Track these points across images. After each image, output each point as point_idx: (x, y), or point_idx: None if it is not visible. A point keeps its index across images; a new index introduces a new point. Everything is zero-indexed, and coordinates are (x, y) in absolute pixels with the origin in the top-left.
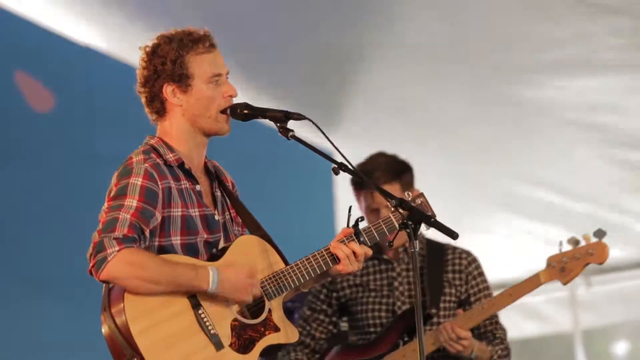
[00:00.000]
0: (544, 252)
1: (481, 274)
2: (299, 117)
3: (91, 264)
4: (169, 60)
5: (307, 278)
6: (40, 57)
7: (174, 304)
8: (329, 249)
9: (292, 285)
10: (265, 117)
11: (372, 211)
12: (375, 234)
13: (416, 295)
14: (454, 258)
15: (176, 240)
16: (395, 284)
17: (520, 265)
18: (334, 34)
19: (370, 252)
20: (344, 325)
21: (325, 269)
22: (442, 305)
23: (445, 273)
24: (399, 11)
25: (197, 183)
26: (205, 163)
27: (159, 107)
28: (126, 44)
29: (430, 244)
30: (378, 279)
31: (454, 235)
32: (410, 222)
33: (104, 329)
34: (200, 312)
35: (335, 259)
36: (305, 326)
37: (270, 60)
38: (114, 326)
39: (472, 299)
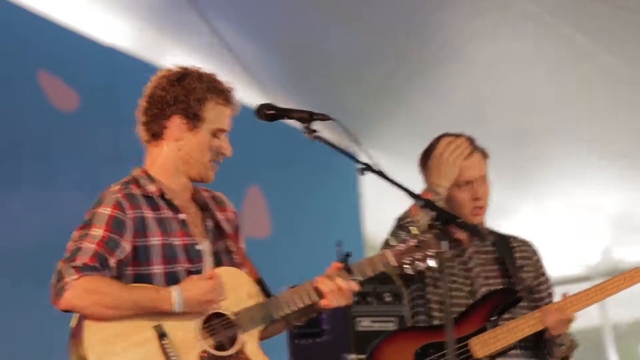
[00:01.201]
0: None
1: (543, 264)
2: (324, 117)
3: (52, 293)
4: (193, 98)
5: (287, 312)
6: (64, 57)
7: (137, 333)
8: (313, 282)
9: (270, 318)
10: (290, 118)
11: (464, 188)
12: (368, 270)
13: (446, 296)
14: (520, 245)
15: (157, 269)
16: (471, 264)
17: None
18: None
19: (356, 287)
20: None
21: (307, 302)
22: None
23: (516, 259)
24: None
25: (179, 212)
26: (194, 194)
27: (157, 131)
28: (149, 44)
29: (495, 233)
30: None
31: (479, 233)
32: (437, 223)
33: (70, 357)
34: (165, 342)
35: (320, 294)
36: None
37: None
38: (76, 354)
39: (543, 287)
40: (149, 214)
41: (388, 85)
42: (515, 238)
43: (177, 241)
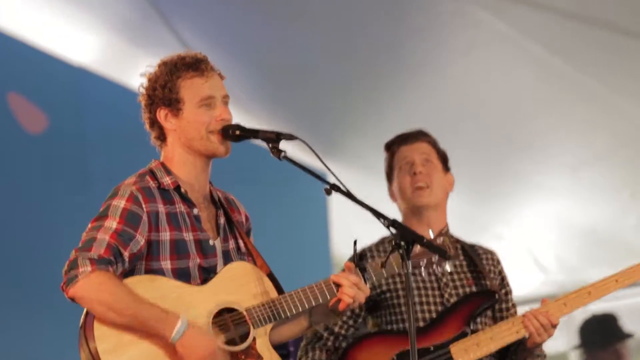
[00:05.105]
0: None
1: (506, 274)
2: (290, 137)
3: (63, 280)
4: (159, 86)
5: (300, 309)
6: (33, 78)
7: None
8: (327, 281)
9: (283, 315)
10: (257, 138)
11: (405, 170)
12: (383, 271)
13: (410, 316)
14: (485, 253)
15: (166, 264)
16: (444, 280)
17: None
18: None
19: (367, 291)
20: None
21: (321, 300)
22: None
23: (484, 267)
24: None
25: (194, 207)
26: (210, 191)
27: (159, 133)
28: (119, 65)
29: (460, 241)
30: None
31: (446, 255)
32: (402, 243)
33: (80, 353)
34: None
35: (334, 292)
36: None
37: (285, 86)
38: (86, 345)
39: (509, 296)
40: (162, 208)
41: (358, 98)
42: (480, 247)
43: (189, 236)
